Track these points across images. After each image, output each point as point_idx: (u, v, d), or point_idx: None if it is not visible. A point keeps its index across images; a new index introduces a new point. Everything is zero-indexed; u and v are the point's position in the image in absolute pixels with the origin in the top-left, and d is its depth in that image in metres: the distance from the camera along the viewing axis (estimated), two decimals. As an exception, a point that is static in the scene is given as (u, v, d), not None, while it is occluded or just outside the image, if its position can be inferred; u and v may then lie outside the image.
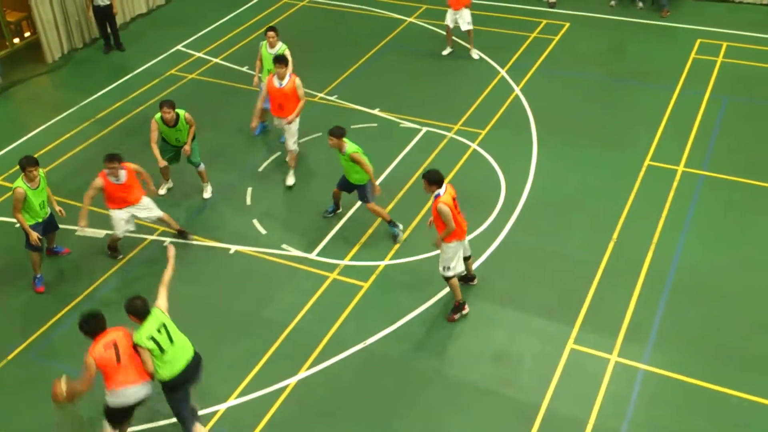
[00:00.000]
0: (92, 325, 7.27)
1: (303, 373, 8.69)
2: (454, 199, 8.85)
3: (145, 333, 7.31)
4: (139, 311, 7.34)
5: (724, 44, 15.10)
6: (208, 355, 8.92)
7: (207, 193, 11.59)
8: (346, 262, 10.23)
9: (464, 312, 9.33)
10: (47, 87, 15.23)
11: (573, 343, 8.92)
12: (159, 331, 7.37)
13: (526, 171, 11.82)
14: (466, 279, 9.69)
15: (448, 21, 14.83)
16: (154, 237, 10.78)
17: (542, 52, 15.22)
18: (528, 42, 15.63)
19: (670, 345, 8.85)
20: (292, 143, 11.57)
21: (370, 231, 10.74)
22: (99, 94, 14.44)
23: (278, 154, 12.45)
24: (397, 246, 10.42)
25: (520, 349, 8.89)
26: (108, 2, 15.48)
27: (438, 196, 8.70)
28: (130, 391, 7.29)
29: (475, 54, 14.99)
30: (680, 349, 8.80)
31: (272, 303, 9.68)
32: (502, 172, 11.80)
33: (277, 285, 9.96)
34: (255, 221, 11.03)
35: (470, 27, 14.76)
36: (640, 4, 16.94)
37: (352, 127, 12.81)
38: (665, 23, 16.23)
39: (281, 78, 11.14)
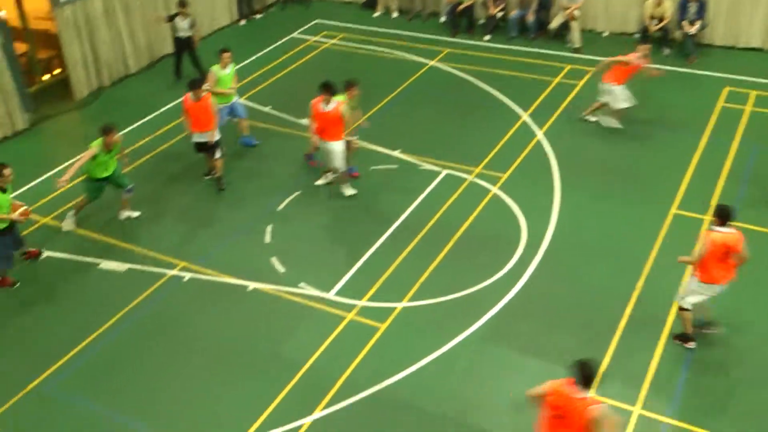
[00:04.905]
0: None
1: (317, 414, 8.54)
2: (726, 245, 8.61)
3: None
4: None
5: (753, 93, 14.99)
6: (223, 392, 8.87)
7: (130, 214, 12.01)
8: (363, 302, 10.13)
9: (687, 345, 9.15)
10: (75, 122, 15.44)
11: (595, 394, 8.69)
12: None
13: (547, 216, 11.70)
14: (701, 326, 9.42)
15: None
16: (174, 272, 10.76)
17: (566, 96, 15.21)
18: (552, 86, 15.64)
19: (696, 399, 8.59)
20: (340, 163, 11.97)
21: (389, 272, 10.65)
22: (126, 130, 14.60)
23: (298, 192, 12.47)
24: (415, 287, 10.31)
25: (540, 397, 8.67)
26: (189, 34, 15.85)
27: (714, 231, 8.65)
28: None
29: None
30: (706, 403, 8.54)
31: (288, 342, 9.59)
32: (523, 217, 11.69)
33: (293, 324, 9.87)
34: (273, 259, 10.99)
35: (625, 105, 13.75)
36: (667, 51, 16.91)
37: (371, 168, 12.81)
38: (692, 70, 16.18)
39: (326, 102, 11.52)
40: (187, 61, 16.36)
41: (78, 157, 11.50)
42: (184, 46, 16.14)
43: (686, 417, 8.37)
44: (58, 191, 12.37)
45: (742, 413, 8.41)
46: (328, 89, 11.60)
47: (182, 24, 15.74)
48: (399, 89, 15.79)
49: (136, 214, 11.97)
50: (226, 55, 13.10)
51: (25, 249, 10.95)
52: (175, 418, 8.57)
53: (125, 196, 11.83)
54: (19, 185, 12.87)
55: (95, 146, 11.10)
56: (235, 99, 13.47)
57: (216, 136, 12.34)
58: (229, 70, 13.22)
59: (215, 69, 13.12)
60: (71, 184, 11.80)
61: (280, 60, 17.41)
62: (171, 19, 15.81)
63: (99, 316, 10.05)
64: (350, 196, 12.18)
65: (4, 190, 10.04)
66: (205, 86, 12.42)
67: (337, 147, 11.88)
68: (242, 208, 12.19)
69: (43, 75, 16.39)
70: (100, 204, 12.28)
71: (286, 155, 13.58)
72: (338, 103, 11.63)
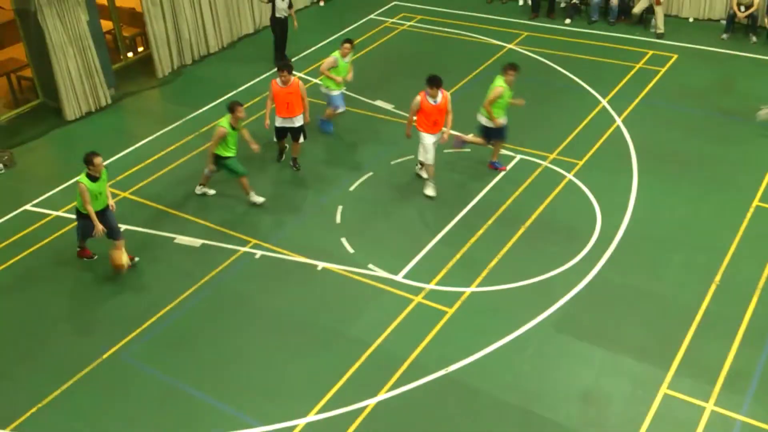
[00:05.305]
0: None
1: (382, 395, 8.60)
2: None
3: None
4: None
5: None
6: (290, 369, 9.03)
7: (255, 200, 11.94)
8: (432, 286, 10.13)
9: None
10: (157, 100, 15.85)
11: (666, 388, 8.50)
12: None
13: (624, 205, 11.44)
14: None
15: None
16: (246, 249, 10.97)
17: (647, 83, 14.79)
18: (633, 72, 15.23)
19: (772, 397, 8.32)
20: (428, 157, 11.69)
21: (458, 256, 10.61)
22: (205, 108, 14.91)
23: (370, 174, 12.51)
24: (485, 273, 10.24)
25: (610, 390, 8.53)
26: (286, 14, 16.03)
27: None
28: None
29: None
30: (783, 402, 8.27)
31: (356, 322, 9.67)
32: (598, 205, 11.46)
33: (361, 304, 9.95)
34: (343, 240, 11.08)
35: None
36: (754, 39, 16.25)
37: (445, 151, 12.74)
38: (781, 59, 15.53)
39: (433, 96, 11.34)
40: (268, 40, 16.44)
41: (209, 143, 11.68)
42: (284, 26, 16.22)
43: (761, 415, 8.10)
44: (140, 166, 12.79)
45: (822, 416, 8.10)
46: (436, 82, 11.24)
47: (282, 4, 15.88)
48: (476, 72, 15.63)
49: (261, 200, 11.88)
50: (348, 45, 13.06)
51: (116, 237, 10.58)
52: (241, 392, 8.76)
53: (244, 180, 11.83)
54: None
55: (223, 124, 11.25)
56: (343, 89, 13.46)
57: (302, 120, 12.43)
58: (348, 59, 13.17)
59: (337, 55, 13.07)
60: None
61: (357, 41, 17.42)
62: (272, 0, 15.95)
63: (173, 289, 10.33)
64: (430, 197, 11.87)
65: (95, 179, 10.06)
66: (323, 66, 12.75)
67: (432, 139, 11.59)
68: (314, 188, 12.31)
69: (127, 52, 16.86)
70: (176, 180, 12.61)
71: (360, 136, 13.64)
72: (445, 93, 11.41)
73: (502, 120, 11.93)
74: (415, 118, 11.66)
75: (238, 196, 12.07)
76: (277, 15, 15.97)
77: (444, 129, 11.61)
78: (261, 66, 16.47)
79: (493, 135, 12.13)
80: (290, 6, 16.04)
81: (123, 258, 10.31)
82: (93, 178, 10.04)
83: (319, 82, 13.69)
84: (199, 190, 12.18)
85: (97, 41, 14.90)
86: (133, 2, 16.93)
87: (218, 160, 11.59)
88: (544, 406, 8.39)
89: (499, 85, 11.71)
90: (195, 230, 11.38)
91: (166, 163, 13.18)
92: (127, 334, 9.61)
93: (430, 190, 11.88)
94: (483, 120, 12.02)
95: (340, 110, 13.47)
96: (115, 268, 10.38)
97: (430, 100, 11.37)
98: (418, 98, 11.43)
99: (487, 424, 8.24)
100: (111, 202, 10.43)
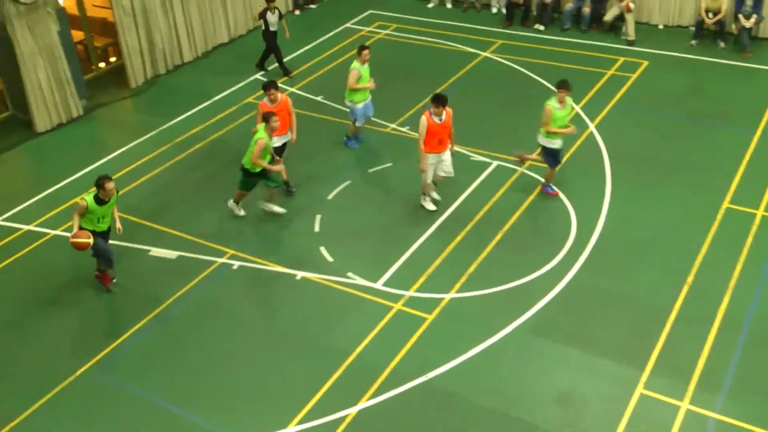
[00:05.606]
0: None
1: (363, 404, 8.61)
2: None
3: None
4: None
5: (810, 87, 14.62)
6: (271, 379, 9.01)
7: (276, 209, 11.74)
8: (411, 293, 10.17)
9: None
10: (129, 110, 15.76)
11: (642, 388, 8.61)
12: None
13: (598, 209, 11.58)
14: None
15: None
16: (223, 260, 10.94)
17: (619, 89, 14.98)
18: (605, 79, 15.43)
19: (745, 394, 8.45)
20: (428, 176, 11.48)
21: (437, 262, 10.66)
22: (177, 119, 14.85)
23: (348, 182, 12.54)
24: (463, 279, 10.31)
25: (587, 392, 8.63)
26: (277, 27, 15.91)
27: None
28: None
29: None
30: (755, 399, 8.40)
31: (336, 331, 9.67)
32: (573, 210, 11.59)
33: (341, 313, 9.96)
34: (322, 248, 11.09)
35: None
36: (722, 44, 16.54)
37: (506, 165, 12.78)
38: (747, 64, 15.79)
39: (438, 115, 11.05)
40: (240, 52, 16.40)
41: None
42: (275, 39, 16.11)
43: (734, 413, 8.25)
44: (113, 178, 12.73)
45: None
46: (443, 101, 10.95)
47: (272, 18, 15.82)
48: (452, 80, 15.74)
49: (281, 210, 11.71)
50: (366, 51, 12.87)
51: (107, 265, 10.39)
52: (221, 406, 8.72)
53: (274, 191, 11.71)
54: (72, 172, 13.25)
55: (263, 135, 10.88)
56: (369, 97, 13.27)
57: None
58: (367, 66, 12.96)
59: (357, 65, 12.82)
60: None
61: (333, 50, 17.50)
62: (262, 15, 15.82)
63: (149, 302, 10.26)
64: (431, 210, 11.75)
65: (103, 202, 9.76)
66: (351, 82, 12.66)
67: (448, 154, 11.48)
68: (292, 196, 12.30)
69: (99, 63, 16.75)
70: (151, 191, 12.54)
71: (338, 144, 13.67)
72: (447, 111, 11.13)
73: (567, 131, 11.58)
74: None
75: (215, 207, 12.04)
76: (271, 29, 15.90)
77: (449, 145, 11.33)
78: (236, 76, 16.45)
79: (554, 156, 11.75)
80: (281, 17, 15.95)
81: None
82: (100, 201, 9.75)
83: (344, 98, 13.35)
84: (267, 208, 11.79)
85: (68, 52, 14.78)
86: (104, 12, 16.83)
87: (249, 172, 11.22)
88: (522, 409, 8.45)
89: (548, 103, 11.41)
90: (170, 242, 11.33)
91: (140, 174, 13.10)
92: (101, 350, 9.52)
93: (429, 204, 11.76)
94: (543, 140, 11.64)
95: (359, 123, 13.24)
96: (78, 248, 9.74)
97: (436, 119, 11.04)
98: (424, 120, 10.99)
99: (467, 429, 8.28)
100: (118, 225, 10.18)
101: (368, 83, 12.97)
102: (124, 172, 13.17)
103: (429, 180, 11.55)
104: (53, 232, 11.70)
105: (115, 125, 15.19)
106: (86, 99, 15.48)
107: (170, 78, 16.77)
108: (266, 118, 11.01)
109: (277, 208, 11.71)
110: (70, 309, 10.25)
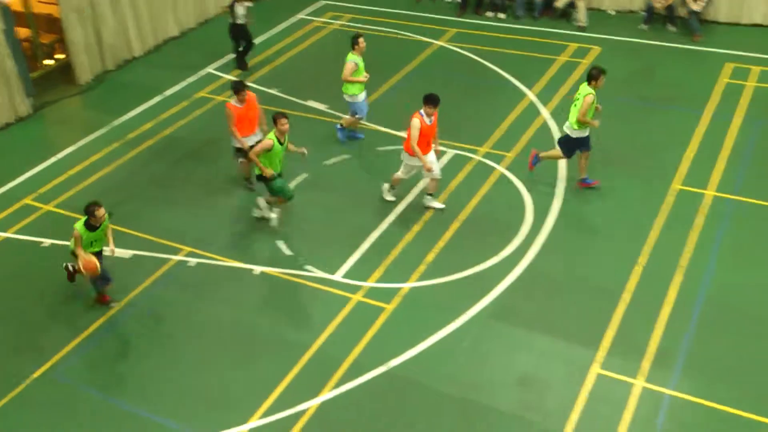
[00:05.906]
0: None
1: (324, 396, 8.60)
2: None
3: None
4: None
5: (757, 69, 14.89)
6: (231, 375, 8.94)
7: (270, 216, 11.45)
8: (370, 284, 10.17)
9: None
10: (78, 108, 15.45)
11: (599, 368, 8.74)
12: None
13: (551, 195, 11.69)
14: None
15: None
16: (180, 257, 10.81)
17: (571, 74, 15.13)
18: (557, 65, 15.56)
19: (698, 370, 8.65)
20: (407, 175, 11.45)
21: (395, 253, 10.67)
22: (129, 116, 14.61)
23: (304, 176, 12.46)
24: (422, 267, 10.33)
25: (546, 374, 8.73)
26: (245, 21, 15.63)
27: None
28: None
29: None
30: (708, 374, 8.59)
31: (295, 324, 9.64)
32: (529, 195, 11.68)
33: (300, 306, 9.92)
34: (280, 242, 11.02)
35: None
36: (672, 28, 16.79)
37: (378, 149, 12.80)
38: (697, 47, 16.06)
39: (430, 116, 10.89)
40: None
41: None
42: (241, 32, 15.87)
43: (688, 389, 8.43)
44: (63, 177, 12.47)
45: (744, 381, 8.48)
46: (436, 101, 10.80)
47: (240, 11, 15.58)
48: (406, 70, 15.73)
49: (273, 217, 11.32)
50: (362, 40, 12.50)
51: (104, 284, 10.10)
52: (182, 405, 8.64)
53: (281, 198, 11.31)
54: (21, 172, 12.96)
55: (271, 137, 10.64)
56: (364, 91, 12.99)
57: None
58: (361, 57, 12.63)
59: (354, 57, 12.48)
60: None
61: (287, 41, 17.36)
62: (231, 6, 15.61)
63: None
64: (437, 208, 11.51)
65: (95, 228, 9.49)
66: (346, 74, 12.30)
67: (434, 155, 11.29)
68: (247, 192, 12.18)
69: (45, 60, 16.39)
70: (103, 190, 12.33)
71: (293, 137, 13.52)
72: (435, 113, 10.97)
73: (595, 122, 11.24)
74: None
75: (170, 204, 11.88)
76: (238, 21, 15.65)
77: (434, 145, 11.21)
78: (187, 70, 16.22)
79: (582, 145, 11.50)
80: (248, 11, 15.67)
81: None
82: (92, 227, 9.49)
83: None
84: (260, 208, 11.49)
85: (14, 49, 14.42)
86: (51, 8, 16.45)
87: (259, 179, 11.03)
88: (483, 394, 8.53)
89: (590, 93, 11.07)
90: (125, 241, 11.12)
91: (91, 173, 12.86)
92: (58, 351, 9.36)
93: (390, 196, 11.70)
94: (569, 131, 11.39)
95: (359, 116, 12.96)
96: (90, 272, 9.52)
97: (427, 120, 10.90)
98: (417, 122, 10.76)
99: (429, 416, 8.32)
100: (112, 246, 9.77)
101: (362, 77, 12.62)
102: (74, 171, 12.92)
103: (405, 177, 11.46)
104: (4, 235, 11.45)
105: (65, 123, 14.88)
106: (33, 97, 15.12)
107: (120, 74, 16.47)
108: (274, 119, 10.64)
109: (268, 214, 11.40)
110: (24, 311, 10.04)
